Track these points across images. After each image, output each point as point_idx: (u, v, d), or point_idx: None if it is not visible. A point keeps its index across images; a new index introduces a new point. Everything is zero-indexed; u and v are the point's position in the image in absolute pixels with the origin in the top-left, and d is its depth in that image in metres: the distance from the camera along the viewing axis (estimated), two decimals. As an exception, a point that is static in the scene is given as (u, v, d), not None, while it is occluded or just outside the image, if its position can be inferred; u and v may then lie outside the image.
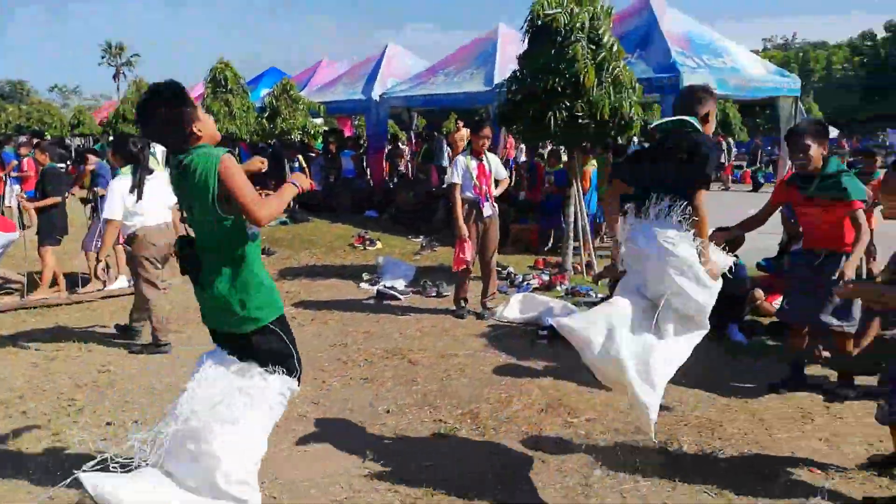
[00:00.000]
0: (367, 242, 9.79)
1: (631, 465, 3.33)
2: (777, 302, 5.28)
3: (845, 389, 4.12)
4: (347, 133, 17.98)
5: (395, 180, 14.44)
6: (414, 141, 15.79)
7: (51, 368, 4.80)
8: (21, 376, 4.63)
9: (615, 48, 6.79)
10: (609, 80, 6.68)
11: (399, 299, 6.71)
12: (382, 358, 5.04)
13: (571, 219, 7.14)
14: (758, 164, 21.25)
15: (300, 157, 12.36)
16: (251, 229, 2.61)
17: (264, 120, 12.27)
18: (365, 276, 7.63)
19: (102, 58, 74.07)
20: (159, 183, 5.00)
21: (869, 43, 51.68)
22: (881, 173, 6.22)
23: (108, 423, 3.87)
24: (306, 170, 12.11)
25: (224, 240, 2.58)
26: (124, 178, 5.03)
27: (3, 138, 19.90)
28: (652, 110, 14.56)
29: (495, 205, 6.09)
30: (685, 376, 4.50)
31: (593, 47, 6.70)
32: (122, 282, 7.03)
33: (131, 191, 4.94)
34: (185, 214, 2.75)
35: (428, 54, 17.79)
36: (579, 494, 3.10)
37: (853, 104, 44.52)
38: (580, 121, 6.57)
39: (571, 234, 7.20)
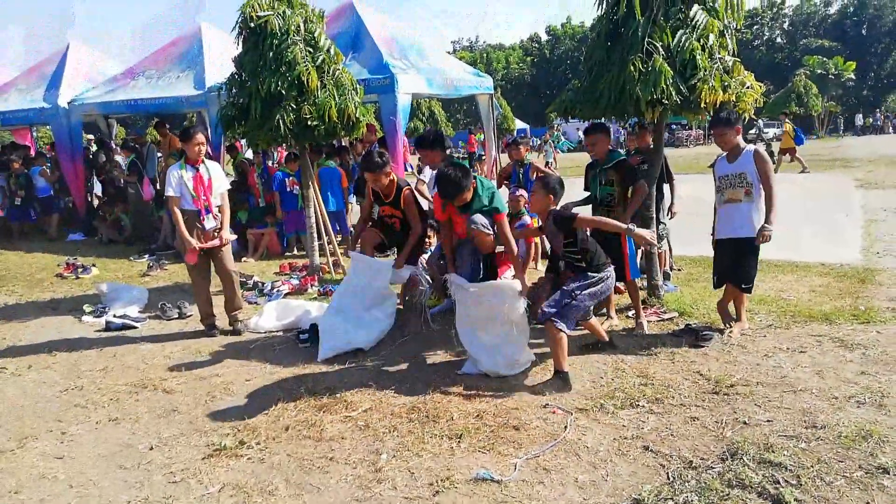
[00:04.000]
0: (80, 269, 8.63)
1: (413, 442, 3.57)
2: (507, 273, 6.01)
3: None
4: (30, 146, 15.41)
5: (101, 197, 12.85)
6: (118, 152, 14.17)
7: None
8: None
9: (332, 50, 7.00)
10: (332, 81, 6.88)
11: (136, 327, 6.08)
12: (130, 394, 4.55)
13: (312, 220, 7.20)
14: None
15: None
16: None
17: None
18: (86, 307, 6.73)
19: None
20: None
21: (536, 45, 60.35)
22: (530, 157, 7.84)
23: None
24: None
25: None
26: None
27: None
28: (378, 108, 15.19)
29: (218, 216, 5.63)
30: (444, 347, 4.97)
31: (311, 50, 6.82)
32: None
33: None
34: None
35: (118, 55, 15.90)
36: (370, 481, 3.23)
37: (529, 99, 51.66)
38: (309, 123, 6.66)
39: (315, 235, 7.25)
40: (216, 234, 5.63)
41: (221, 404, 4.28)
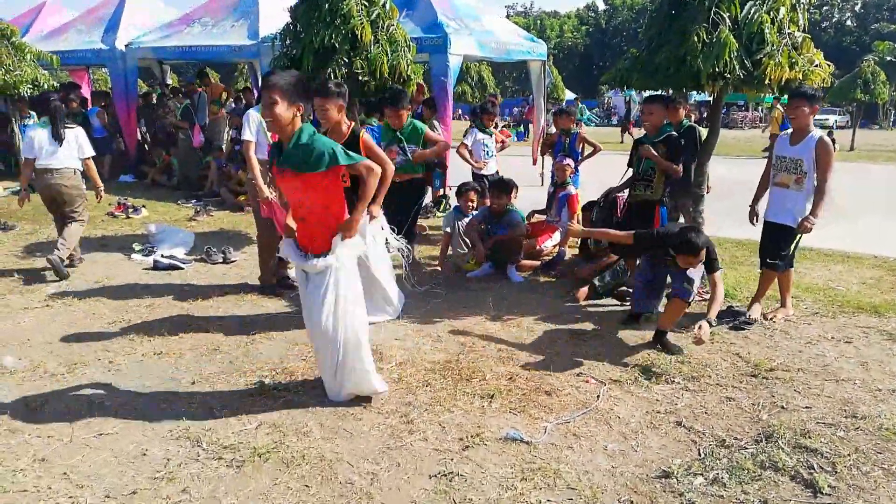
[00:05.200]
0: (131, 210, 8.87)
1: (445, 398, 3.62)
2: (547, 242, 5.98)
3: None
4: (85, 87, 15.76)
5: (150, 141, 13.12)
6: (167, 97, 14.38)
7: None
8: None
9: (388, 6, 6.93)
10: (385, 37, 6.82)
11: (182, 268, 6.25)
12: (175, 330, 4.70)
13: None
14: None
15: (34, 112, 10.61)
16: None
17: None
18: (136, 246, 6.95)
19: None
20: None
21: (592, 14, 58.76)
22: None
23: None
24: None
25: None
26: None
27: None
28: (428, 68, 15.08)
29: None
30: (480, 311, 5.00)
31: (366, 4, 6.77)
32: None
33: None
34: None
35: (174, 2, 16.05)
36: (402, 432, 3.29)
37: (582, 69, 50.51)
38: (360, 78, 6.64)
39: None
40: None
41: (261, 348, 4.40)
